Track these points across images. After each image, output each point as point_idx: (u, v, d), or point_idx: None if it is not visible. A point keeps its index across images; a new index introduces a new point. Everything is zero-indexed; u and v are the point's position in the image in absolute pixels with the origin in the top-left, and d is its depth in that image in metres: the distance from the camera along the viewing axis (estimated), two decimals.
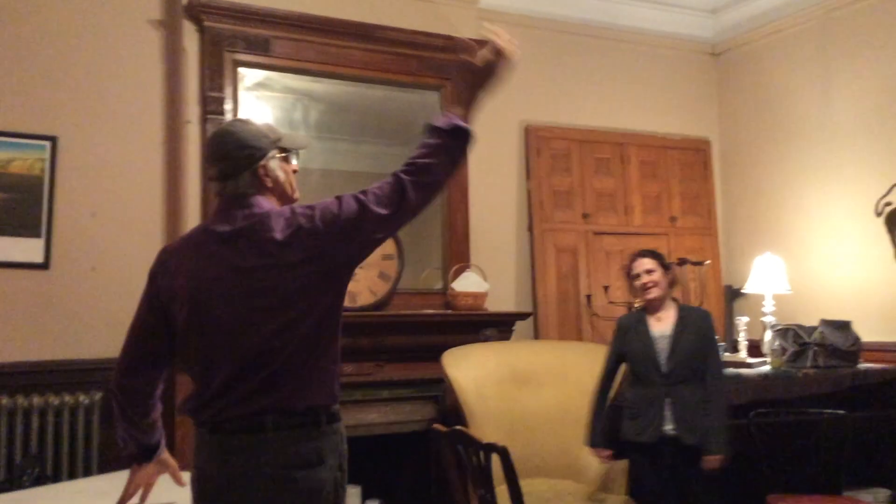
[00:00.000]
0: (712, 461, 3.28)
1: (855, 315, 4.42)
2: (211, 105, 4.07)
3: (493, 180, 4.93)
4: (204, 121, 4.07)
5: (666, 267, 3.58)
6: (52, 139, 3.82)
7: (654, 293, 3.51)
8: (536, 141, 5.03)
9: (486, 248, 4.81)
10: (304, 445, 1.90)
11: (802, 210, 5.12)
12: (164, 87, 4.06)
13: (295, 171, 2.15)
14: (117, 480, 2.68)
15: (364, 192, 1.96)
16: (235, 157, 2.03)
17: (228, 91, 4.12)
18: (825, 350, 4.24)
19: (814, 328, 4.32)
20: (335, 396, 1.99)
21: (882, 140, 4.67)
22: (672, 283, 3.61)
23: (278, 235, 1.93)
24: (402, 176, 1.95)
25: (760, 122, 5.45)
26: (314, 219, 1.94)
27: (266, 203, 2.02)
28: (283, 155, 2.10)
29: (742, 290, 5.11)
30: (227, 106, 4.11)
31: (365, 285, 4.29)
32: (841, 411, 3.81)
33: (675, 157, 5.48)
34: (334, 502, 1.96)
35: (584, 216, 5.12)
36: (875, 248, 4.66)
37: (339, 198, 1.96)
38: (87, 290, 3.85)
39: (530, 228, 4.97)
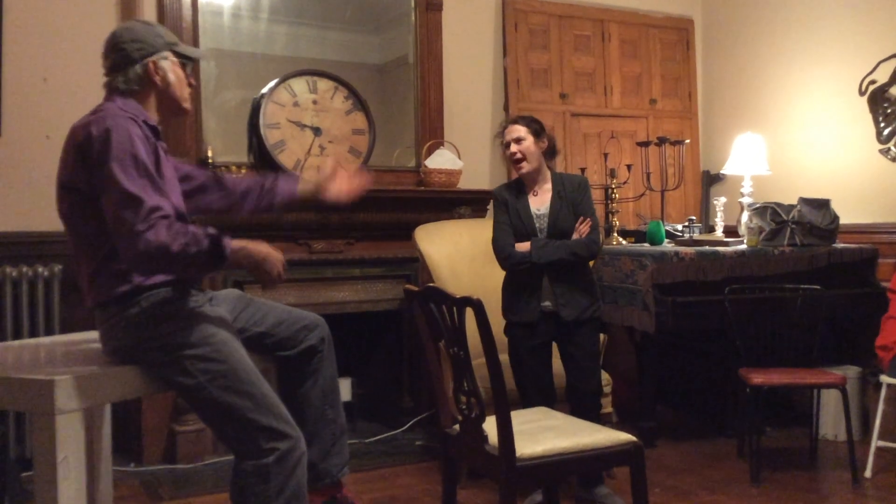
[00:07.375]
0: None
1: (834, 196, 4.35)
2: None
3: (468, 55, 4.74)
4: None
5: (539, 135, 3.19)
6: None
7: (524, 167, 3.17)
8: (514, 14, 4.82)
9: (460, 127, 4.65)
10: None
11: (784, 90, 5.00)
12: None
13: (191, 85, 2.29)
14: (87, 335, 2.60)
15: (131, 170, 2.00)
16: (127, 50, 2.16)
17: None
18: (803, 228, 4.19)
19: (792, 206, 4.25)
20: None
21: (867, 17, 4.52)
22: (550, 153, 3.26)
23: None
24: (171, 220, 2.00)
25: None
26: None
27: (118, 107, 2.11)
28: (177, 60, 2.23)
29: (720, 174, 5.02)
30: None
31: (335, 160, 4.13)
32: (816, 286, 3.78)
33: (657, 36, 5.30)
34: None
35: (562, 96, 4.96)
36: (857, 127, 4.57)
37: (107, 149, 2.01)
38: (43, 159, 3.67)
39: (506, 108, 4.81)
